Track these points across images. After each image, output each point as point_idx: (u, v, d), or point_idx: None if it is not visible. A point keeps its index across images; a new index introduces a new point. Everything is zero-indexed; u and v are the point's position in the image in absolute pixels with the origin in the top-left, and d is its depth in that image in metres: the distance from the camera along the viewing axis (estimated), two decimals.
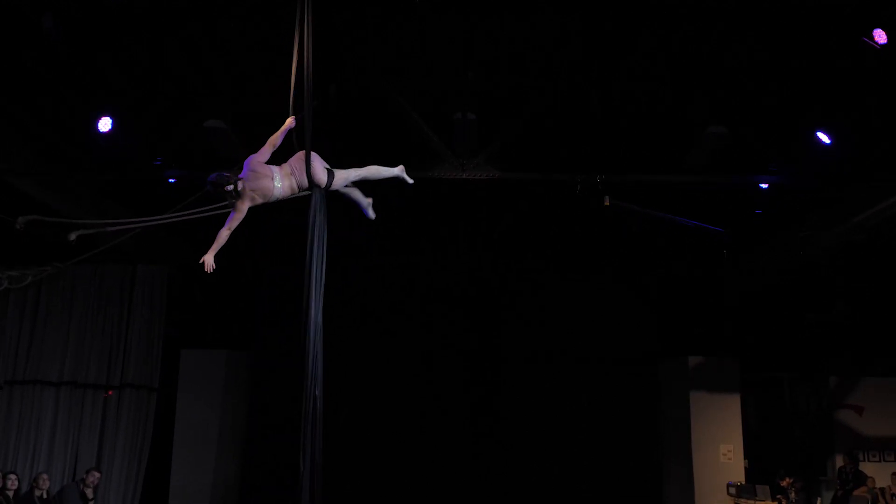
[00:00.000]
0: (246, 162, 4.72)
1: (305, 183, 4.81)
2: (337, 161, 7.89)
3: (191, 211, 7.27)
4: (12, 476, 9.54)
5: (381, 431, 11.11)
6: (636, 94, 7.68)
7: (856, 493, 12.12)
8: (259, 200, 4.70)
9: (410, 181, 5.42)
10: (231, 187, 4.63)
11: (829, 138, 7.55)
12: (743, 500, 11.34)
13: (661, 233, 10.16)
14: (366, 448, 10.98)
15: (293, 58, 4.79)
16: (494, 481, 11.10)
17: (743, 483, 11.63)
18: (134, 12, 6.34)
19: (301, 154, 4.79)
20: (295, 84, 4.80)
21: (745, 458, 12.08)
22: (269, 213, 7.64)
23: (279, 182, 4.71)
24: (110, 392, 11.20)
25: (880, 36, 6.07)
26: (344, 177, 5.01)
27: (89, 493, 10.08)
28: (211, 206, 7.21)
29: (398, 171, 5.37)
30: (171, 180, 8.12)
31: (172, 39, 6.72)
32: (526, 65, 7.40)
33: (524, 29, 6.85)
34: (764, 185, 8.27)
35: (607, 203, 7.82)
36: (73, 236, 7.33)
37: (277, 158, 4.99)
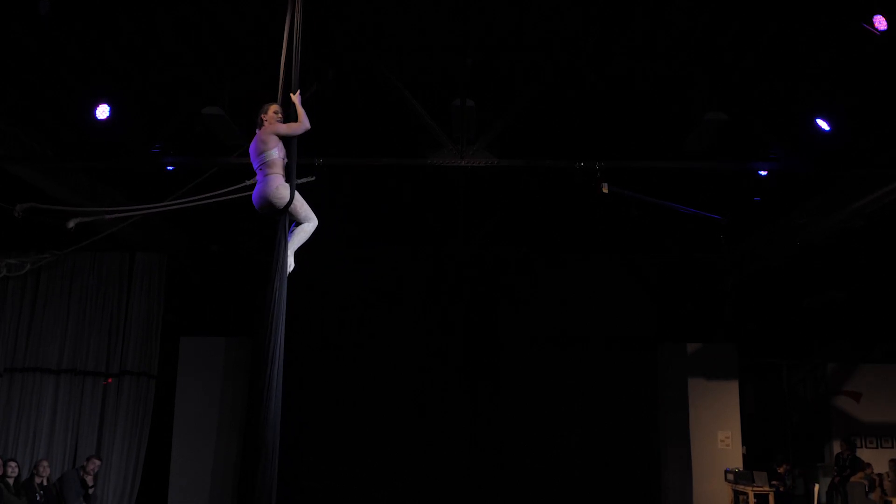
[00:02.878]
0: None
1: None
2: (336, 146, 7.92)
3: (189, 198, 7.30)
4: (12, 463, 9.59)
5: (381, 416, 11.16)
6: (634, 79, 7.68)
7: (853, 479, 12.22)
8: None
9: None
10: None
11: (829, 125, 7.56)
12: (741, 485, 11.42)
13: (660, 218, 10.18)
14: (366, 432, 11.04)
15: (283, 49, 4.83)
16: (494, 464, 11.16)
17: (741, 469, 11.71)
18: None
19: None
20: (283, 72, 4.92)
21: (742, 445, 12.16)
22: None
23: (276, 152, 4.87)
24: (110, 379, 11.23)
25: (880, 22, 6.07)
26: (304, 212, 5.05)
27: (89, 479, 10.15)
28: (210, 194, 7.25)
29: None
30: (169, 168, 8.11)
31: (166, 20, 6.69)
32: (523, 49, 7.39)
33: (521, 9, 6.84)
34: (763, 173, 8.28)
35: (606, 190, 7.82)
36: (71, 224, 7.36)
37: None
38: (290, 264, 5.04)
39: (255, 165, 4.92)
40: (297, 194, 4.89)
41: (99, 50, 6.97)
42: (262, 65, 7.30)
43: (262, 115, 4.96)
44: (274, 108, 4.94)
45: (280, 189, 4.80)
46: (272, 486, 4.46)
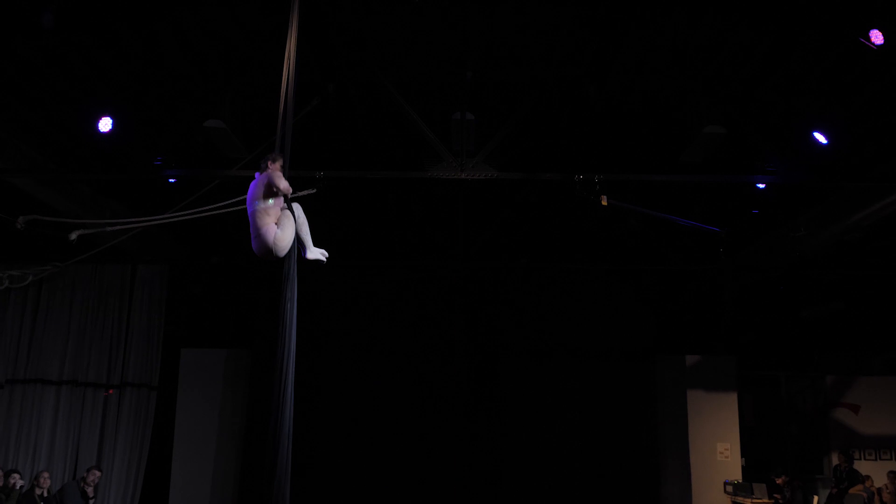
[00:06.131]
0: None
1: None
2: (336, 159, 7.92)
3: (191, 211, 7.26)
4: (16, 475, 9.54)
5: (379, 426, 11.07)
6: (632, 93, 7.68)
7: (852, 491, 12.15)
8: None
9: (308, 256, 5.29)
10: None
11: (826, 138, 7.55)
12: (740, 497, 11.36)
13: (658, 230, 10.16)
14: (365, 442, 10.96)
15: (284, 68, 4.83)
16: (493, 475, 11.06)
17: (740, 481, 11.65)
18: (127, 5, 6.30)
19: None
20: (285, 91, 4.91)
21: (741, 457, 12.10)
22: None
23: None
24: (111, 391, 11.18)
25: (877, 37, 6.07)
26: (294, 226, 5.05)
27: (90, 491, 10.08)
28: (211, 206, 7.23)
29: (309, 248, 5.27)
30: (171, 180, 8.10)
31: (167, 35, 6.69)
32: (522, 63, 7.39)
33: (519, 24, 6.84)
34: (761, 186, 8.26)
35: (605, 203, 7.79)
36: (73, 236, 7.32)
37: None
38: (320, 253, 5.17)
39: (248, 210, 4.87)
40: (286, 224, 4.85)
41: (101, 63, 6.97)
42: (262, 77, 7.30)
43: (270, 163, 4.86)
44: (282, 162, 4.88)
45: (277, 239, 4.79)
46: (286, 494, 4.49)
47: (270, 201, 4.79)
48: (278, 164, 4.86)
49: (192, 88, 7.46)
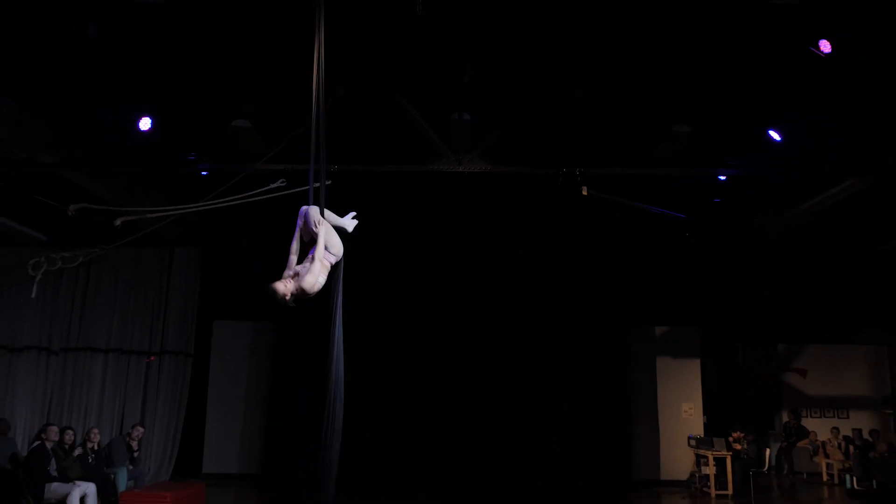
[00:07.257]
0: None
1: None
2: (345, 155, 7.87)
3: (221, 199, 7.27)
4: (70, 431, 9.59)
5: (384, 397, 10.97)
6: (612, 95, 7.62)
7: (799, 444, 12.27)
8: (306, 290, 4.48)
9: (350, 229, 5.17)
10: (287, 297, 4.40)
11: (780, 136, 7.54)
12: (701, 450, 11.46)
13: (635, 218, 10.13)
14: (371, 412, 10.86)
15: (314, 72, 4.77)
16: (487, 433, 11.10)
17: (702, 436, 11.74)
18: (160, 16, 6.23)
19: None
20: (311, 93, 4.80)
21: (703, 415, 12.19)
22: (290, 196, 7.59)
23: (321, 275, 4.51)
24: (152, 357, 11.22)
25: (825, 46, 6.06)
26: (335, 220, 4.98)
27: (134, 445, 10.15)
28: (239, 195, 7.22)
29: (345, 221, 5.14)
30: (203, 173, 8.08)
31: (196, 43, 6.63)
32: (516, 68, 7.34)
33: (512, 33, 6.78)
34: (722, 178, 8.25)
35: (585, 193, 7.77)
36: (118, 222, 7.32)
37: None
38: (351, 217, 5.15)
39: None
40: (330, 239, 4.67)
41: (142, 71, 6.92)
42: (281, 82, 7.25)
43: (288, 292, 4.34)
44: (283, 285, 4.36)
45: (334, 256, 4.64)
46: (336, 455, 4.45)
47: (322, 280, 4.49)
48: (291, 286, 4.39)
49: (220, 92, 7.41)
